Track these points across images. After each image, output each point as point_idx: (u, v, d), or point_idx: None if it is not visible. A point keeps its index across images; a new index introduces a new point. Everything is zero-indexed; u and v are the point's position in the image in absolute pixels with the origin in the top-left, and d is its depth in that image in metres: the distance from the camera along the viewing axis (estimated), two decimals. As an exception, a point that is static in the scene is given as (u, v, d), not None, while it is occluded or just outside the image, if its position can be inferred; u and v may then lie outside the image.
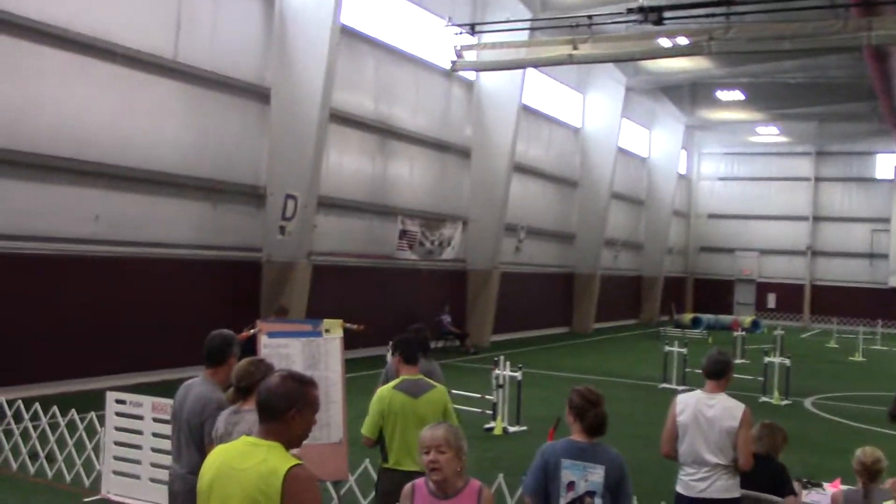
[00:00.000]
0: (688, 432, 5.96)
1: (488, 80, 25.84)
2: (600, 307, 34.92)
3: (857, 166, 46.05)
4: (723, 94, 36.56)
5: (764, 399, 17.13)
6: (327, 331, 7.02)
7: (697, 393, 6.08)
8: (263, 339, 6.84)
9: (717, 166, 48.82)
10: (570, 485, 4.83)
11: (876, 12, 19.42)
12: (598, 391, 4.93)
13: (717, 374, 6.06)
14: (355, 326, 7.23)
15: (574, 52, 20.42)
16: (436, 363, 8.10)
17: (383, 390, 6.12)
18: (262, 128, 18.71)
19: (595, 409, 4.84)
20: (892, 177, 44.12)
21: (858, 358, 28.06)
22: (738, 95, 36.26)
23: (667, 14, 18.78)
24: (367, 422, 6.06)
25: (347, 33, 20.42)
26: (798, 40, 18.89)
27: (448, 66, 22.41)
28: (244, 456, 3.36)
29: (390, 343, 6.81)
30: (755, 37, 19.28)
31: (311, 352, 6.90)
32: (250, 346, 7.58)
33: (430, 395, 6.07)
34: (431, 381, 6.21)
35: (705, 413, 5.91)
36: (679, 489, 6.04)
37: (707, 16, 19.14)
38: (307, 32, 18.16)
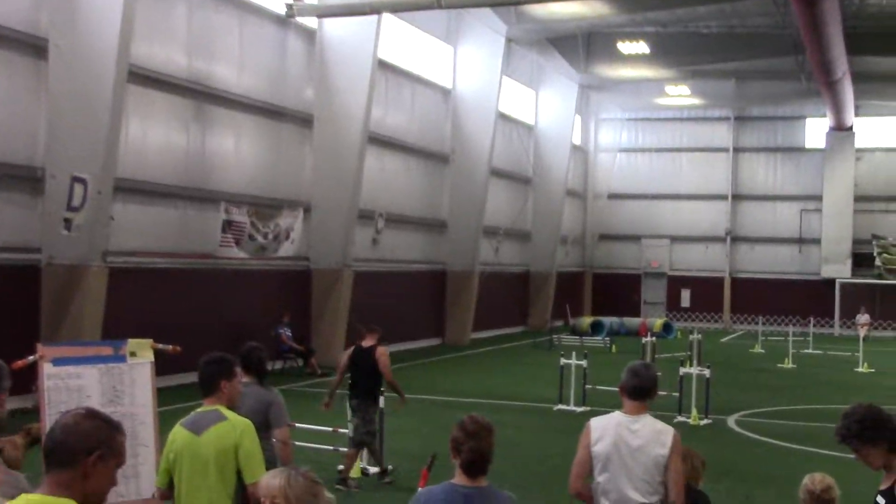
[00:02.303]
0: (607, 466, 5.95)
1: (334, 30, 25.73)
2: (480, 312, 35.38)
3: (783, 134, 48.32)
4: (624, 47, 37.54)
5: (680, 419, 17.75)
6: (132, 354, 6.85)
7: (616, 415, 6.11)
8: (47, 369, 6.60)
9: (618, 135, 50.24)
10: (453, 539, 4.86)
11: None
12: (482, 420, 4.98)
13: (643, 392, 6.13)
14: (170, 348, 7.06)
15: (442, -7, 20.57)
16: (275, 392, 8.02)
17: (176, 427, 6.16)
18: (35, 88, 18.08)
19: (472, 441, 4.87)
20: (823, 146, 46.39)
21: (788, 365, 29.46)
22: (642, 48, 37.30)
23: (555, -53, 19.19)
24: (159, 467, 6.08)
25: (150, -33, 19.99)
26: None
27: (283, 10, 22.19)
28: None
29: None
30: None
31: (111, 382, 6.72)
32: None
33: (215, 431, 6.01)
34: (226, 413, 6.12)
35: (629, 441, 5.95)
36: None
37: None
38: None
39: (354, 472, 12.83)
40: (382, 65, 28.10)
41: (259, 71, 24.27)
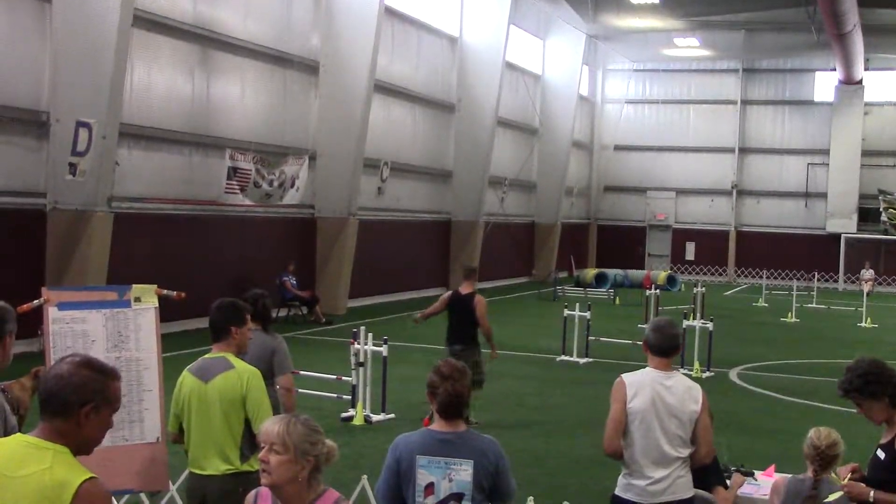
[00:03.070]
0: (644, 422, 5.91)
1: (341, -25, 25.54)
2: (485, 262, 35.31)
3: (792, 86, 48.01)
4: (633, -3, 37.27)
5: (682, 371, 17.80)
6: (137, 299, 6.85)
7: (649, 371, 6.07)
8: (52, 313, 6.61)
9: (625, 86, 49.95)
10: (429, 487, 4.87)
11: None
12: (457, 364, 4.99)
13: (671, 349, 6.13)
14: (174, 294, 7.07)
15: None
16: (280, 339, 8.07)
17: (184, 373, 6.26)
18: (40, 32, 17.99)
19: (446, 383, 4.88)
20: (831, 99, 46.14)
21: (791, 319, 29.51)
22: (651, -2, 37.04)
23: None
24: (170, 412, 6.25)
25: None
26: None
27: (289, -45, 22.01)
28: (22, 461, 3.31)
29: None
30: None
31: (116, 327, 6.72)
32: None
33: (222, 379, 6.06)
34: (233, 361, 6.15)
35: (665, 397, 5.93)
36: (627, 495, 6.01)
37: None
38: None
39: (357, 420, 12.93)
40: (389, 12, 27.91)
41: (265, 17, 24.11)
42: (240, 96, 23.51)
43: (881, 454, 5.57)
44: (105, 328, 6.68)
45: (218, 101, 22.69)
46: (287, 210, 25.15)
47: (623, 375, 6.12)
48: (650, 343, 6.11)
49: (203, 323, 17.41)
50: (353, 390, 13.14)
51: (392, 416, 13.23)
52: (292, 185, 24.48)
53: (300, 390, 13.62)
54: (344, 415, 13.05)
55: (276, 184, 23.86)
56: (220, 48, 22.57)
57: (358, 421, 12.92)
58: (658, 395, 5.93)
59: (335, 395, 13.54)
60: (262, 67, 24.15)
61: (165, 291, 7.05)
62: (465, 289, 13.42)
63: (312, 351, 19.11)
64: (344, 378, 13.47)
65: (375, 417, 13.12)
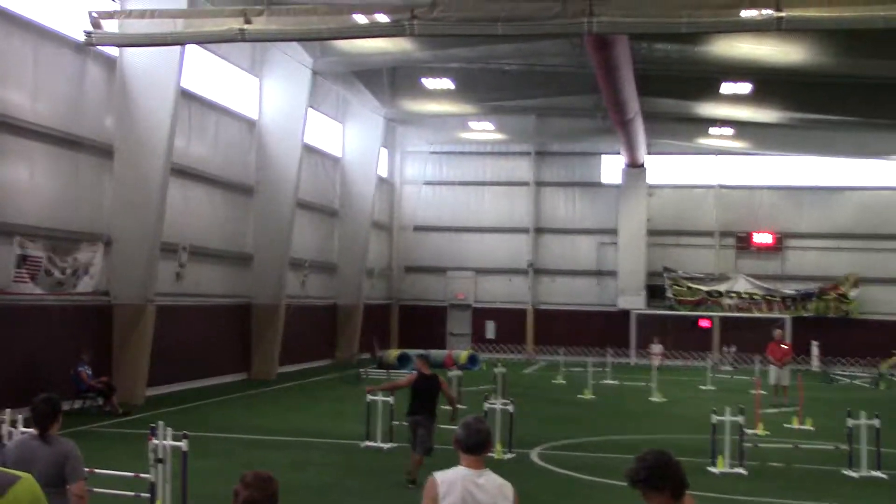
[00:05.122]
0: None
1: (136, 59, 25.06)
2: (287, 346, 35.02)
3: (581, 169, 49.96)
4: (429, 82, 38.11)
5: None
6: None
7: (461, 470, 6.16)
8: None
9: (423, 168, 50.79)
10: None
11: (598, -5, 21.16)
12: (263, 475, 5.13)
13: (481, 446, 6.22)
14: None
15: (246, 26, 20.47)
16: (70, 443, 7.65)
17: None
18: None
19: (246, 491, 4.98)
20: (618, 181, 48.25)
21: (588, 395, 30.29)
22: (446, 84, 37.95)
23: (361, -16, 19.33)
24: None
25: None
26: (512, 24, 20.23)
27: (81, 37, 21.51)
28: None
29: None
30: (464, 17, 20.37)
31: None
32: None
33: (15, 492, 5.69)
34: (14, 473, 5.81)
35: (476, 495, 6.02)
36: None
37: (409, -11, 19.91)
38: None
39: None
40: (186, 95, 27.60)
41: (55, 99, 23.39)
42: (29, 181, 22.61)
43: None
44: None
45: (6, 186, 21.74)
46: (81, 298, 24.21)
47: (435, 473, 6.18)
48: (461, 441, 6.19)
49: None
50: (153, 488, 12.63)
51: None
52: (86, 272, 23.63)
53: (95, 489, 13.05)
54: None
55: (68, 271, 22.98)
56: (7, 130, 21.69)
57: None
58: (469, 493, 6.00)
59: (133, 493, 12.98)
60: (52, 151, 23.33)
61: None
62: (424, 370, 16.01)
63: (109, 445, 18.33)
64: (142, 475, 12.94)
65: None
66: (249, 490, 4.87)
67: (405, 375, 17.52)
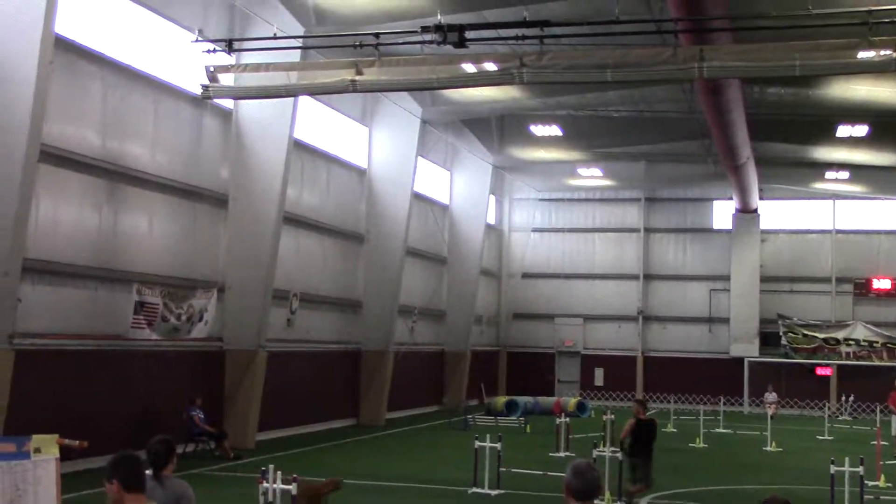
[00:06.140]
0: None
1: (250, 111, 25.76)
2: (395, 392, 35.18)
3: (692, 215, 49.42)
4: (537, 130, 38.21)
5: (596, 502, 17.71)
6: (37, 450, 6.65)
7: None
8: (-53, 466, 6.37)
9: (531, 215, 50.87)
10: None
11: (708, 40, 21.02)
12: None
13: (592, 492, 6.11)
14: (76, 443, 6.88)
15: (358, 77, 20.75)
16: (184, 484, 7.83)
17: None
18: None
19: None
20: (730, 227, 47.55)
21: (700, 444, 29.73)
22: (555, 131, 38.02)
23: (470, 34, 19.51)
24: None
25: (66, 46, 19.83)
26: (622, 70, 20.13)
27: (198, 91, 22.15)
28: None
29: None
30: (573, 64, 20.34)
31: (13, 480, 6.50)
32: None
33: None
34: None
35: None
36: None
37: (517, 38, 20.04)
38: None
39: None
40: (298, 145, 28.16)
41: (174, 150, 24.10)
42: (148, 229, 23.29)
43: None
44: (1, 482, 6.45)
45: (125, 234, 22.44)
46: (195, 344, 24.74)
47: None
48: (572, 488, 6.09)
49: (105, 461, 16.96)
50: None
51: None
52: (200, 319, 24.15)
53: (207, 533, 13.26)
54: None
55: (184, 317, 23.51)
56: (129, 182, 22.40)
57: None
58: None
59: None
60: (170, 200, 24.01)
61: (67, 441, 6.87)
62: (642, 415, 18.13)
63: (220, 488, 18.63)
64: (252, 518, 13.13)
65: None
66: None
67: (625, 424, 18.46)
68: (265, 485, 12.91)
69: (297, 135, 27.27)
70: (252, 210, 25.80)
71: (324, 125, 31.54)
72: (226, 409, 25.92)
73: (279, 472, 13.07)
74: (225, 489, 18.63)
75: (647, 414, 18.70)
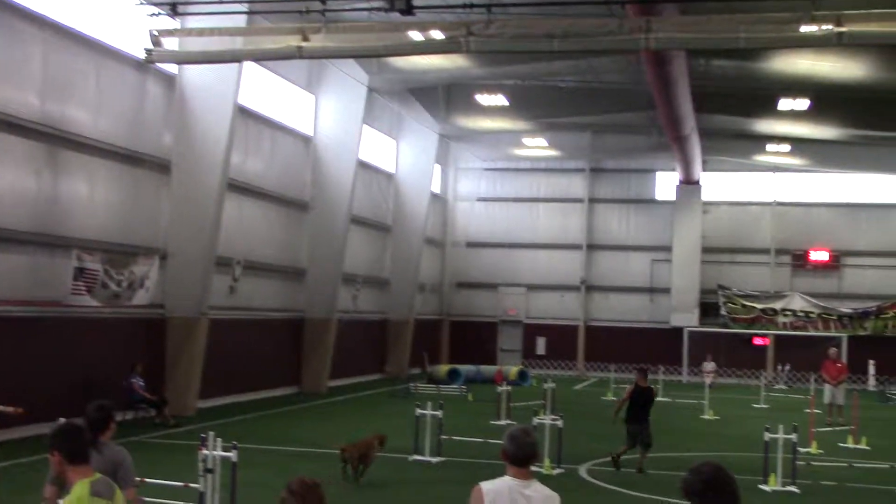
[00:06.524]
0: None
1: (195, 76, 25.48)
2: (337, 360, 35.22)
3: (636, 186, 49.83)
4: (484, 99, 38.21)
5: (532, 468, 17.90)
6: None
7: (508, 480, 6.18)
8: None
9: (476, 184, 50.96)
10: None
11: (654, 12, 21.17)
12: (309, 482, 5.07)
13: (528, 457, 6.25)
14: (10, 409, 6.85)
15: (304, 43, 20.65)
16: (122, 450, 7.82)
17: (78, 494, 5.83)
18: None
19: (293, 498, 4.96)
20: (673, 198, 48.01)
21: (639, 413, 30.08)
22: (501, 100, 38.02)
23: (417, 2, 19.48)
24: None
25: (5, 6, 19.57)
26: (569, 40, 20.24)
27: (142, 55, 21.89)
28: None
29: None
30: (520, 34, 20.43)
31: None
32: None
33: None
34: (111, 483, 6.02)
35: None
36: None
37: (465, 6, 20.03)
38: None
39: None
40: (242, 112, 27.95)
41: (116, 115, 23.79)
42: (89, 195, 23.00)
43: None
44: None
45: (65, 200, 22.15)
46: (136, 310, 24.56)
47: (481, 484, 6.19)
48: (508, 452, 6.22)
49: (46, 429, 16.88)
50: (201, 498, 12.79)
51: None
52: (142, 285, 23.97)
53: (145, 499, 13.24)
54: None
55: (124, 284, 23.32)
56: (69, 146, 22.08)
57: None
58: (516, 503, 6.00)
59: (181, 503, 13.18)
60: (112, 166, 23.72)
61: (2, 407, 6.82)
62: (642, 383, 19.42)
63: (159, 456, 18.58)
64: (191, 485, 13.12)
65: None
66: (295, 497, 4.92)
67: (625, 390, 20.30)
68: (205, 452, 12.88)
69: (242, 101, 27.06)
70: (195, 176, 25.59)
71: (269, 92, 31.31)
72: (167, 376, 25.78)
73: (219, 440, 13.05)
74: (165, 456, 18.58)
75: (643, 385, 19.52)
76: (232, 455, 13.04)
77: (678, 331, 46.74)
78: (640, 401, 19.13)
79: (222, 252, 27.23)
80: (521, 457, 6.20)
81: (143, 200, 24.94)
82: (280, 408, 28.74)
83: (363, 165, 37.12)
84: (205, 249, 25.77)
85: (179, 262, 25.66)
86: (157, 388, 24.79)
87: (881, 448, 22.41)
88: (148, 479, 12.55)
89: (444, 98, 40.04)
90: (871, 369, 44.02)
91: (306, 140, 34.09)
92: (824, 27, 18.86)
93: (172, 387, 25.56)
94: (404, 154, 43.28)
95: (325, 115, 34.36)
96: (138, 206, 24.76)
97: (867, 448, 22.99)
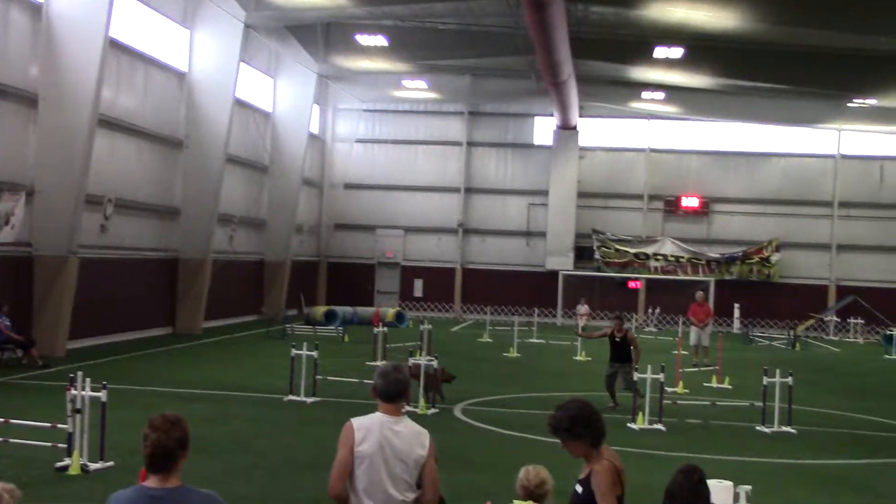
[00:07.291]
0: (370, 465, 6.05)
1: (63, 6, 24.62)
2: (213, 301, 34.85)
3: (514, 130, 50.17)
4: (363, 39, 37.82)
5: (407, 408, 18.10)
6: None
7: (378, 416, 6.20)
8: None
9: (355, 126, 50.67)
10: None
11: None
12: (170, 416, 4.96)
13: (399, 394, 6.27)
14: None
15: (177, -24, 20.13)
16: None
17: None
18: None
19: (154, 434, 4.85)
20: (550, 143, 48.52)
21: (513, 354, 30.62)
22: (380, 41, 37.70)
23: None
24: None
25: None
26: (447, -19, 20.13)
27: (5, -18, 21.06)
28: None
29: None
30: (399, -27, 20.24)
31: None
32: None
33: None
34: None
35: (393, 442, 6.08)
36: None
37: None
38: None
39: (74, 469, 12.40)
40: (114, 45, 27.14)
41: (-22, 45, 22.91)
42: (-51, 128, 22.18)
43: (579, 488, 5.95)
44: None
45: (-75, 132, 21.32)
46: (1, 248, 23.84)
47: (352, 419, 6.24)
48: (378, 389, 6.27)
49: None
50: (70, 438, 12.59)
51: (111, 463, 12.76)
52: (7, 223, 23.25)
53: (11, 440, 12.99)
54: (59, 464, 12.46)
55: (-12, 221, 22.62)
56: (-72, 77, 21.25)
57: (74, 470, 12.37)
58: (386, 439, 6.08)
59: (50, 444, 12.93)
60: (-26, 98, 22.90)
61: None
62: (619, 330, 20.35)
63: (27, 397, 18.19)
64: (60, 426, 12.89)
65: (93, 466, 12.61)
66: (158, 433, 4.84)
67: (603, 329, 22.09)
68: (73, 392, 12.66)
69: (113, 34, 26.26)
70: (64, 111, 24.80)
71: (142, 25, 30.43)
72: (35, 316, 25.15)
73: (88, 379, 12.84)
74: (32, 398, 18.19)
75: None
76: (101, 395, 12.84)
77: (553, 274, 47.50)
78: (619, 344, 20.08)
79: (93, 190, 26.55)
80: (390, 393, 6.25)
81: (7, 134, 24.10)
82: (153, 349, 28.34)
83: (240, 104, 36.52)
84: (74, 186, 25.07)
85: (47, 200, 24.94)
86: (25, 328, 24.20)
87: (743, 387, 23.29)
88: (14, 420, 12.32)
89: (323, 37, 39.53)
90: (737, 312, 45.65)
91: (181, 76, 33.32)
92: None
93: (41, 327, 24.95)
94: (282, 93, 42.70)
95: (201, 51, 33.60)
96: (2, 140, 23.92)
97: (730, 387, 23.88)
